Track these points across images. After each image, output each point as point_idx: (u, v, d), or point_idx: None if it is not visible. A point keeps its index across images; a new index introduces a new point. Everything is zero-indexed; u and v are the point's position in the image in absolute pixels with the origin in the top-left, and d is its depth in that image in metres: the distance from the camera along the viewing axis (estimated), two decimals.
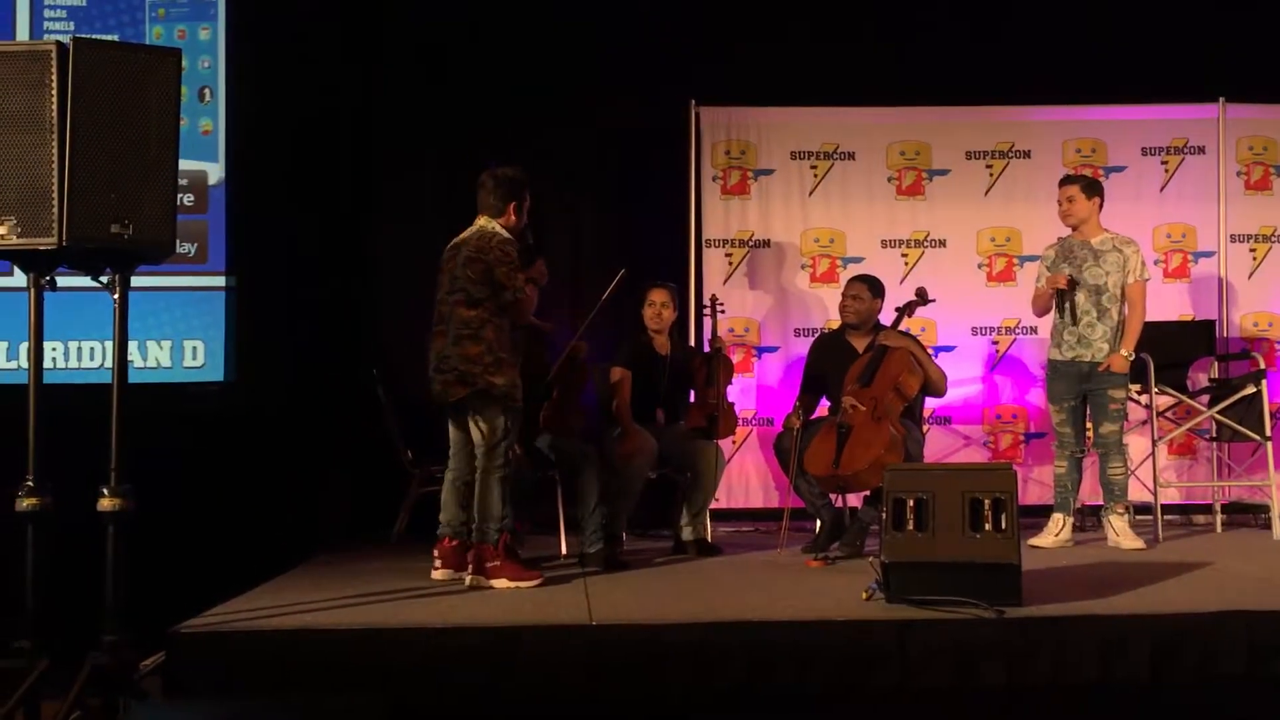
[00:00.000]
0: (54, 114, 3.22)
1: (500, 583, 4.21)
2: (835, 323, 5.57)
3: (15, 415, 3.43)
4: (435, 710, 3.33)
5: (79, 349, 5.63)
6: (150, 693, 3.41)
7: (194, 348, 5.73)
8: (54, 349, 5.54)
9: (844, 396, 5.01)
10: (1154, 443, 5.66)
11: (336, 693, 3.29)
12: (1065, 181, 5.32)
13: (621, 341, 5.45)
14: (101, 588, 3.36)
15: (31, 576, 3.36)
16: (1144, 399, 5.69)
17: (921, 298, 5.39)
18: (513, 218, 4.45)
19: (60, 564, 3.57)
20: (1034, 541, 5.11)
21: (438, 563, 4.45)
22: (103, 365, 5.55)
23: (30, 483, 3.35)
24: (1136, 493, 5.59)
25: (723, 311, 5.71)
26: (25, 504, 3.34)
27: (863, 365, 5.10)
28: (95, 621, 3.34)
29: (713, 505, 5.48)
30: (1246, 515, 6.11)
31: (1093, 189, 5.25)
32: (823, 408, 5.38)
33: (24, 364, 4.08)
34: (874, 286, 5.36)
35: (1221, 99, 6.30)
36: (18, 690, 3.20)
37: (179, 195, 3.60)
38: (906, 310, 5.35)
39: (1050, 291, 5.20)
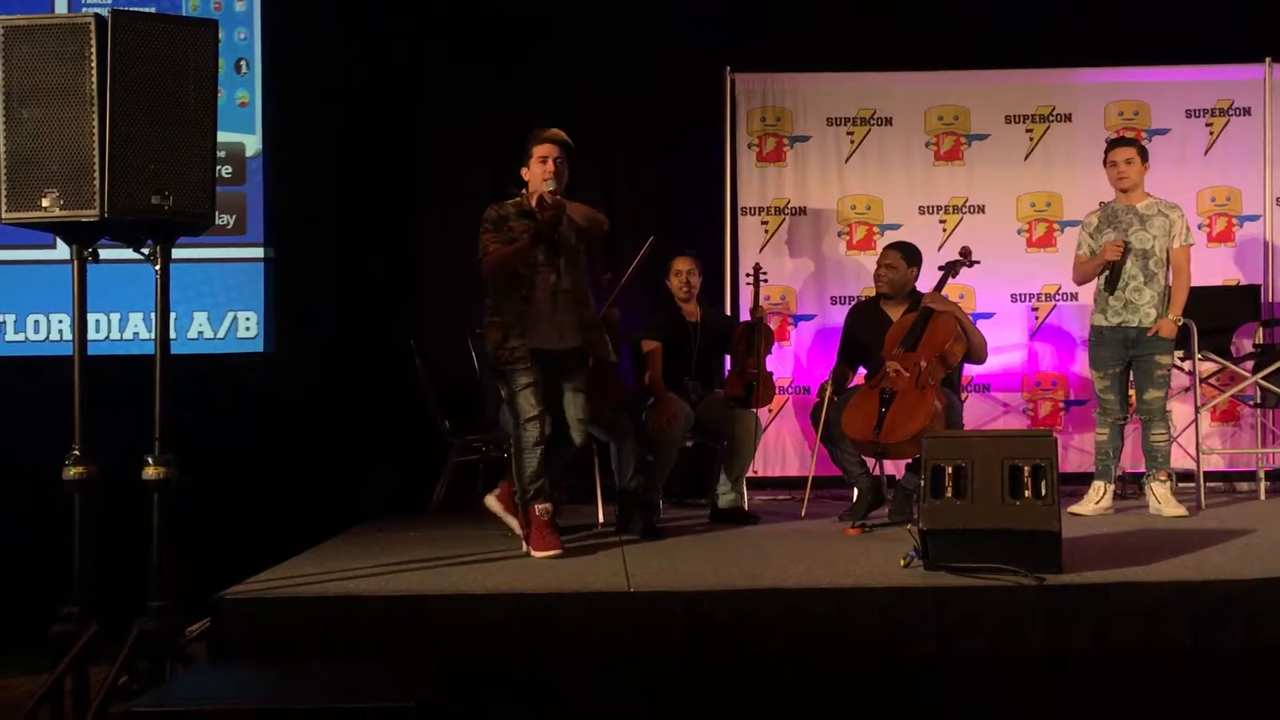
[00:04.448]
0: (93, 87, 3.25)
1: (538, 552, 4.22)
2: (873, 290, 5.52)
3: (65, 386, 3.49)
4: (476, 675, 3.36)
5: (122, 320, 5.70)
6: (196, 657, 3.47)
7: (234, 318, 5.79)
8: (98, 319, 5.62)
9: (888, 361, 4.95)
10: (1197, 409, 5.58)
11: (379, 658, 3.33)
12: (1123, 144, 5.20)
13: (653, 313, 5.43)
14: (148, 555, 3.42)
15: (79, 544, 3.43)
16: (1187, 365, 5.60)
17: (966, 257, 5.31)
18: (524, 173, 4.44)
19: (109, 532, 3.65)
20: (1074, 509, 5.07)
21: None
22: (140, 336, 5.62)
23: (77, 452, 3.41)
24: (1179, 460, 5.52)
25: (765, 280, 5.69)
26: (72, 473, 3.40)
27: (906, 327, 5.03)
28: (142, 588, 3.41)
29: (749, 474, 5.47)
30: None
31: (1145, 153, 5.18)
32: (859, 376, 5.35)
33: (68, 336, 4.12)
34: (909, 254, 5.29)
35: (1268, 59, 6.15)
36: (67, 655, 3.28)
37: (217, 167, 3.63)
38: (951, 270, 5.27)
39: (1100, 262, 5.12)
